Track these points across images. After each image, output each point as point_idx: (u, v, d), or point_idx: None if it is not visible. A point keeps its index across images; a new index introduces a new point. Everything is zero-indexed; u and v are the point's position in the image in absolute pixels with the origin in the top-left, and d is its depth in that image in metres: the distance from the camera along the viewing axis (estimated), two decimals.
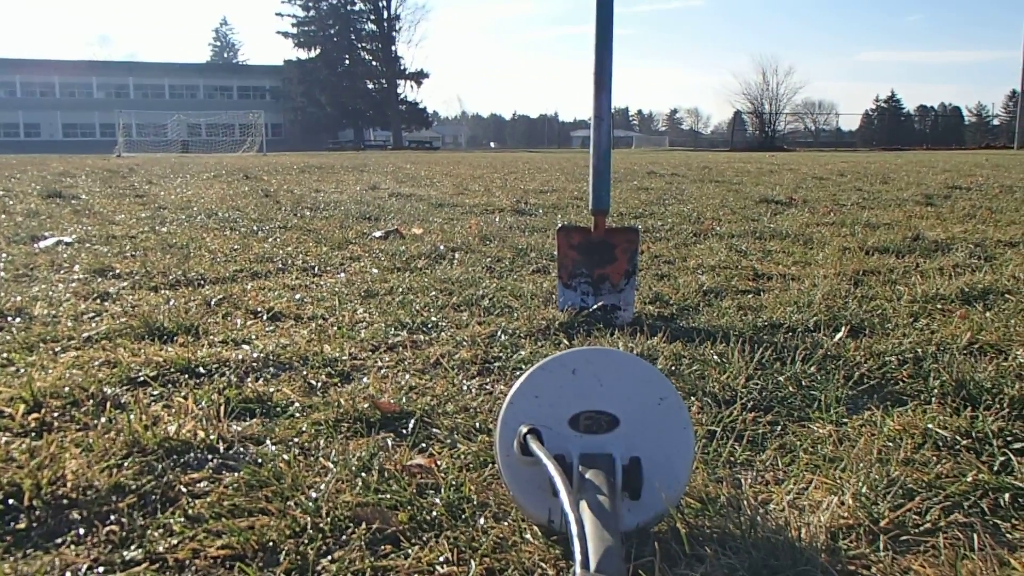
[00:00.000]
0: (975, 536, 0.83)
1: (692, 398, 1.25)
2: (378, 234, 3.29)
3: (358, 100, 63.26)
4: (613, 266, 1.79)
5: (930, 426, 1.10)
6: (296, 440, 1.10)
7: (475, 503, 0.91)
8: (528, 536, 0.84)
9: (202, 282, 2.24)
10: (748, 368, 1.36)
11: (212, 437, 1.09)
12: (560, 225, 1.84)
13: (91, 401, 1.23)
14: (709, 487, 0.95)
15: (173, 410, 1.20)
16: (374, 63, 65.31)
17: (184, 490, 0.95)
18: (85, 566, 0.79)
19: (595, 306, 1.76)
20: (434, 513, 0.89)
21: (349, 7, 64.28)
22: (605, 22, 1.81)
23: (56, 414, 1.18)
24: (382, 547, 0.83)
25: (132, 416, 1.14)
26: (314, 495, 0.92)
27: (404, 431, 1.14)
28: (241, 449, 1.07)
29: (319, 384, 1.33)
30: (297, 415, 1.19)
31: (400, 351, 1.53)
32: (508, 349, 1.53)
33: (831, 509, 0.87)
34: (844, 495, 0.91)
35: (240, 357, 1.46)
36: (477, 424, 1.15)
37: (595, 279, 1.80)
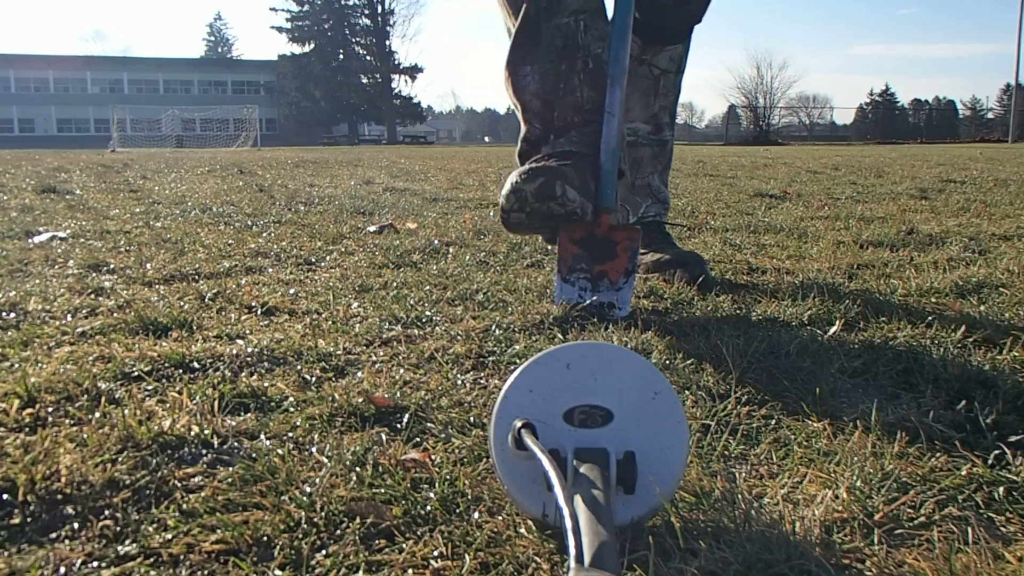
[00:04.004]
0: (969, 530, 0.84)
1: (686, 392, 1.25)
2: (372, 229, 3.28)
3: (352, 95, 63.17)
4: (613, 263, 1.78)
5: (924, 419, 1.11)
6: (290, 435, 1.10)
7: (469, 497, 0.91)
8: (522, 530, 0.84)
9: (196, 277, 2.24)
10: (742, 362, 1.36)
11: (206, 432, 1.09)
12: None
13: (85, 396, 1.23)
14: (703, 481, 0.95)
15: (167, 405, 1.20)
16: (368, 58, 65.23)
17: (178, 485, 0.95)
18: (79, 560, 0.79)
19: (589, 301, 1.76)
20: (428, 507, 0.89)
21: (343, 1, 64.11)
22: (624, 15, 1.78)
23: (50, 409, 1.18)
24: (376, 541, 0.83)
25: (126, 411, 1.14)
26: (308, 490, 0.92)
27: (398, 426, 1.14)
28: (235, 444, 1.07)
29: (313, 379, 1.33)
30: (291, 410, 1.19)
31: (394, 346, 1.53)
32: (502, 343, 1.53)
33: (825, 503, 0.88)
34: (838, 489, 0.91)
35: (234, 352, 1.46)
36: (471, 419, 1.15)
37: (594, 275, 1.79)
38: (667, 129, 2.34)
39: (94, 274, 2.28)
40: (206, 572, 0.78)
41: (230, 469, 0.98)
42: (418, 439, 1.09)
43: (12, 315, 1.75)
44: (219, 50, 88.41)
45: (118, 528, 0.85)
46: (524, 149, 1.87)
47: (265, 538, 0.83)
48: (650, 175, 2.35)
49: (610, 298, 1.77)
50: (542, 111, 1.83)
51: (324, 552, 0.81)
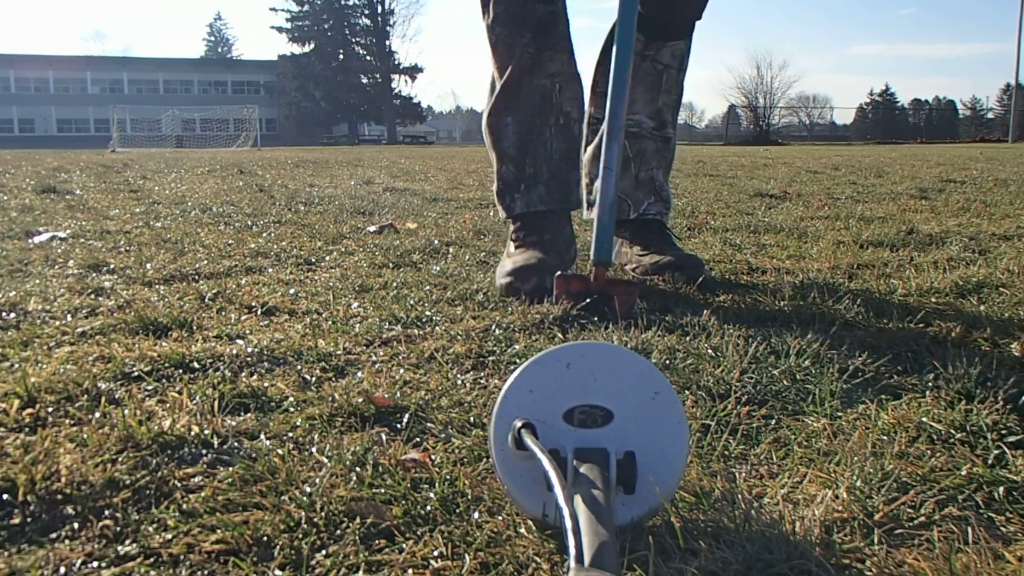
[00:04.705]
0: (969, 529, 0.84)
1: (686, 392, 1.25)
2: (372, 229, 3.29)
3: (352, 95, 63.17)
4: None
5: (924, 419, 1.11)
6: (290, 435, 1.10)
7: (469, 497, 0.91)
8: (522, 530, 0.84)
9: (196, 277, 2.24)
10: (742, 362, 1.36)
11: (206, 432, 1.09)
12: (559, 273, 1.81)
13: (85, 396, 1.23)
14: (703, 481, 0.95)
15: (167, 405, 1.20)
16: (368, 58, 65.24)
17: (178, 485, 0.95)
18: (79, 561, 0.79)
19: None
20: (428, 507, 0.89)
21: (343, 1, 64.09)
22: (621, 71, 1.78)
23: (50, 409, 1.18)
24: (376, 541, 0.83)
25: (126, 411, 1.14)
26: (308, 490, 0.92)
27: (398, 426, 1.14)
28: (235, 444, 1.07)
29: (313, 379, 1.33)
30: (291, 410, 1.19)
31: (394, 346, 1.53)
32: (502, 343, 1.53)
33: (825, 503, 0.88)
34: (838, 489, 0.91)
35: (234, 352, 1.46)
36: (471, 419, 1.15)
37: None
38: (670, 127, 2.38)
39: (94, 274, 2.29)
40: (206, 572, 0.78)
41: (230, 469, 0.98)
42: (418, 439, 1.09)
43: (12, 315, 1.75)
44: (219, 50, 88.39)
45: (118, 528, 0.85)
46: (500, 188, 2.20)
47: (265, 538, 0.83)
48: (654, 170, 2.37)
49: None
50: (517, 157, 2.15)
51: (324, 552, 0.81)
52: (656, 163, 2.37)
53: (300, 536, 0.83)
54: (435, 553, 0.80)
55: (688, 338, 1.54)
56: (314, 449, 1.05)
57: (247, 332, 1.62)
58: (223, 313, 1.79)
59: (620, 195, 2.30)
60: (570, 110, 2.16)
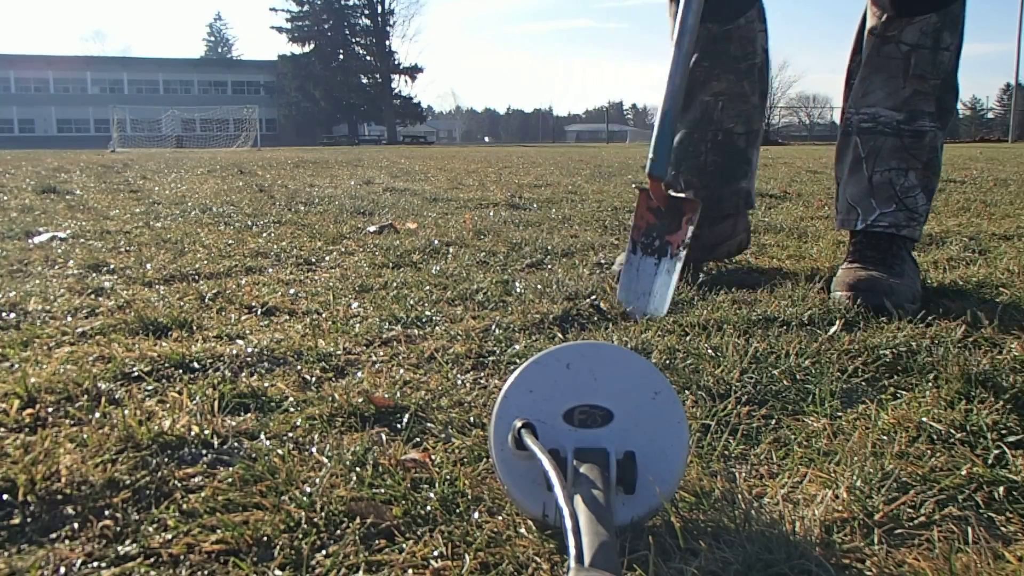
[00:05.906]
0: (969, 529, 0.84)
1: (686, 392, 1.25)
2: (372, 229, 3.28)
3: (352, 95, 63.16)
4: (676, 235, 1.79)
5: (924, 419, 1.11)
6: (290, 435, 1.10)
7: (469, 497, 0.91)
8: (522, 530, 0.84)
9: (196, 277, 2.24)
10: (742, 362, 1.36)
11: (206, 432, 1.09)
12: (635, 184, 1.86)
13: (85, 396, 1.23)
14: (703, 481, 0.95)
15: (167, 405, 1.20)
16: (368, 58, 65.23)
17: (178, 485, 0.95)
18: (79, 561, 0.79)
19: (630, 309, 1.76)
20: (428, 507, 0.89)
21: (343, 1, 64.09)
22: None
23: (50, 409, 1.18)
24: (376, 541, 0.83)
25: (126, 411, 1.14)
26: (308, 490, 0.92)
27: (398, 426, 1.14)
28: (235, 444, 1.07)
29: (313, 379, 1.33)
30: (291, 410, 1.19)
31: (394, 346, 1.53)
32: (502, 343, 1.53)
33: (825, 503, 0.88)
34: (838, 489, 0.91)
35: (234, 352, 1.46)
36: (471, 419, 1.15)
37: (662, 244, 1.82)
38: (926, 119, 1.97)
39: (94, 274, 2.29)
40: (206, 572, 0.78)
41: (230, 469, 0.98)
42: (418, 439, 1.09)
43: (12, 315, 1.75)
44: (219, 50, 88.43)
45: (118, 528, 0.85)
46: None
47: (265, 538, 0.83)
48: (894, 171, 1.97)
49: (644, 305, 1.77)
50: (674, 163, 2.24)
51: (324, 552, 0.81)
52: (898, 163, 1.96)
53: (300, 536, 0.83)
54: (435, 553, 0.80)
55: (688, 338, 1.54)
56: (314, 449, 1.05)
57: (247, 332, 1.62)
58: (223, 313, 1.79)
59: (849, 202, 2.03)
60: (732, 126, 2.24)
